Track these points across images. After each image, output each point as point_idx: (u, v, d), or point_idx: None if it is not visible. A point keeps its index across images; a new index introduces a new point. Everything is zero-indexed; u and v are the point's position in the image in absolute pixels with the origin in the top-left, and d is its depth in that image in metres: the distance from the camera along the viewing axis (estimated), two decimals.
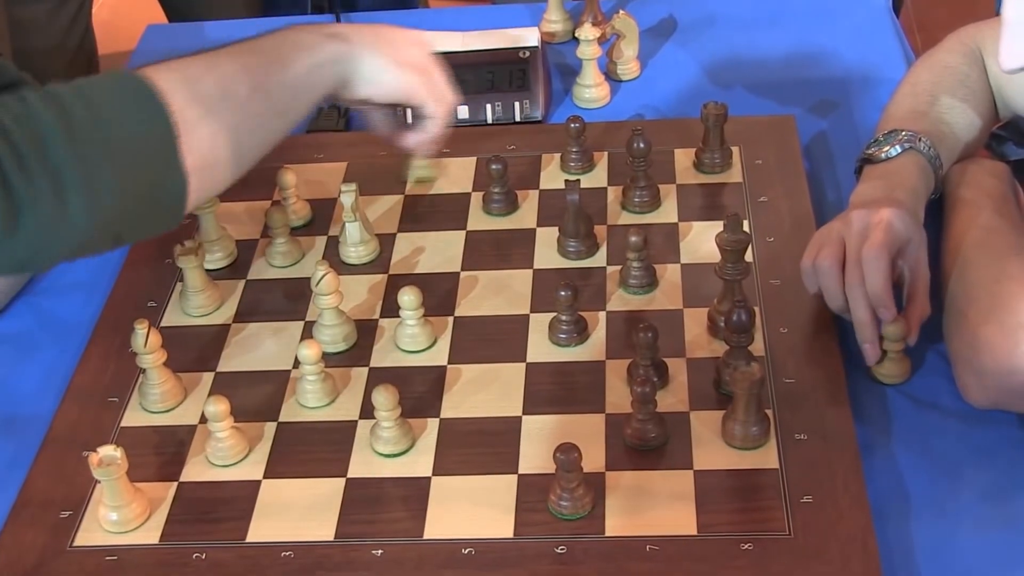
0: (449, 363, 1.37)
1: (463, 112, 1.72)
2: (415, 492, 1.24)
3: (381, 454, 1.27)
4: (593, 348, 1.37)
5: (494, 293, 1.45)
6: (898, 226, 1.29)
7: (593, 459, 1.23)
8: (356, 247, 1.50)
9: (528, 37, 1.77)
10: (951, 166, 1.44)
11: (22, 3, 2.26)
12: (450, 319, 1.42)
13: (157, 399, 1.34)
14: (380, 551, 1.19)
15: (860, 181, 1.41)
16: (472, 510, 1.21)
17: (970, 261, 1.29)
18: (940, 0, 3.28)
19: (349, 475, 1.26)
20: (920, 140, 1.39)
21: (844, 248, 1.30)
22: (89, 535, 1.22)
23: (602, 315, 1.40)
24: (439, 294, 1.44)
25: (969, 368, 1.22)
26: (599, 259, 1.48)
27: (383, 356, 1.39)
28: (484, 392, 1.33)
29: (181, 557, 1.20)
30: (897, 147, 1.39)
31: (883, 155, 1.40)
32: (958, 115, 1.45)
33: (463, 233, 1.53)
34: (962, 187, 1.41)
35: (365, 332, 1.41)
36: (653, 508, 1.20)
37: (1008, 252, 1.28)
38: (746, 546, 1.15)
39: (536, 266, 1.48)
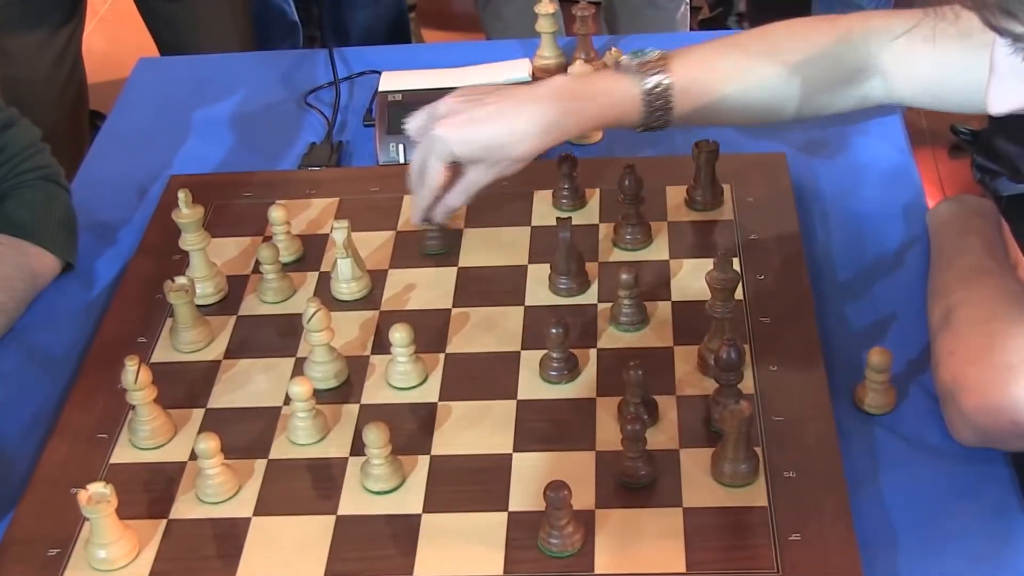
0: (440, 400, 1.37)
1: None
2: (405, 529, 1.24)
3: (371, 491, 1.27)
4: (584, 385, 1.37)
5: (485, 330, 1.45)
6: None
7: (583, 496, 1.23)
8: (348, 283, 1.50)
9: (520, 72, 1.78)
10: (937, 203, 1.44)
11: (11, 33, 2.27)
12: (441, 356, 1.42)
13: (147, 436, 1.34)
14: None
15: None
16: (462, 547, 1.21)
17: (958, 300, 1.30)
18: None
19: (339, 512, 1.26)
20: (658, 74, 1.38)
21: None
22: (77, 573, 1.22)
23: (593, 352, 1.41)
24: (430, 331, 1.44)
25: (957, 407, 1.23)
26: (590, 296, 1.48)
27: (374, 393, 1.39)
28: (475, 429, 1.33)
29: None
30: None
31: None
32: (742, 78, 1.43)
33: (455, 270, 1.54)
34: (949, 226, 1.42)
35: (356, 369, 1.41)
36: (643, 546, 1.20)
37: (996, 292, 1.28)
38: None
39: (527, 303, 1.48)
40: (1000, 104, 1.12)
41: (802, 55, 1.41)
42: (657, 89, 1.38)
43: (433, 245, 1.56)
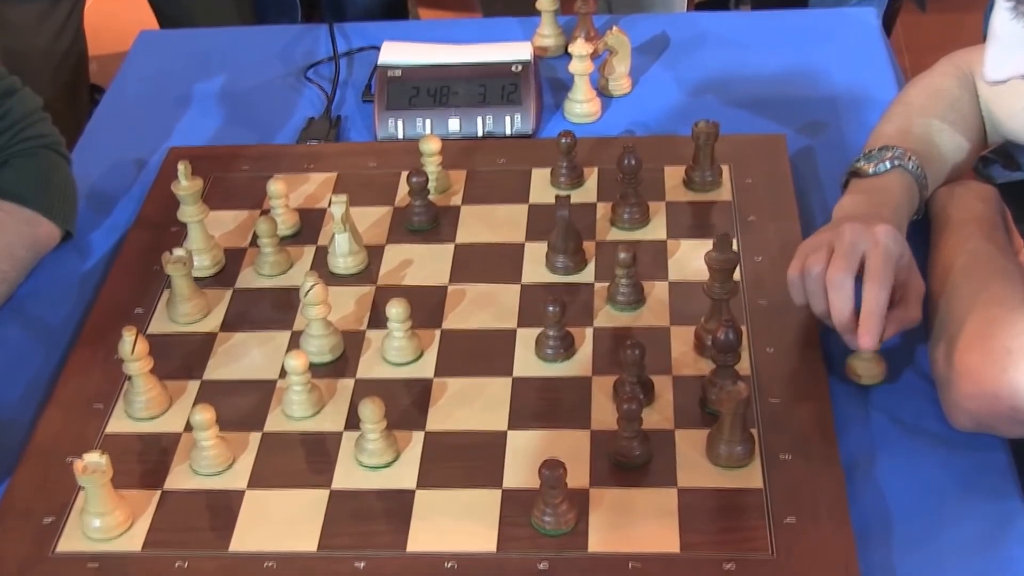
0: (435, 376, 1.37)
1: (454, 125, 1.72)
2: (399, 505, 1.24)
3: (365, 466, 1.27)
4: (579, 364, 1.37)
5: (481, 307, 1.45)
6: (892, 248, 1.29)
7: (577, 475, 1.23)
8: (345, 258, 1.50)
9: (521, 51, 1.78)
10: (937, 188, 1.45)
11: (12, 3, 2.26)
12: (437, 332, 1.42)
13: (142, 407, 1.34)
14: (362, 563, 1.18)
15: (845, 194, 1.42)
16: (455, 524, 1.21)
17: (957, 285, 1.30)
18: (930, 21, 3.29)
19: (333, 487, 1.26)
20: (909, 158, 1.40)
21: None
22: (71, 542, 1.22)
23: (589, 331, 1.41)
24: (427, 307, 1.44)
25: (955, 392, 1.23)
26: (587, 275, 1.48)
27: (369, 368, 1.39)
28: (470, 406, 1.33)
29: (163, 565, 1.20)
30: (886, 163, 1.40)
31: (871, 170, 1.40)
32: (947, 137, 1.46)
33: (452, 246, 1.53)
34: (950, 210, 1.41)
35: (352, 343, 1.41)
36: (636, 525, 1.20)
37: (995, 277, 1.28)
38: (728, 566, 1.15)
39: (524, 281, 1.48)
40: (997, 71, 1.12)
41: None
42: (919, 171, 1.41)
43: (420, 221, 1.56)
